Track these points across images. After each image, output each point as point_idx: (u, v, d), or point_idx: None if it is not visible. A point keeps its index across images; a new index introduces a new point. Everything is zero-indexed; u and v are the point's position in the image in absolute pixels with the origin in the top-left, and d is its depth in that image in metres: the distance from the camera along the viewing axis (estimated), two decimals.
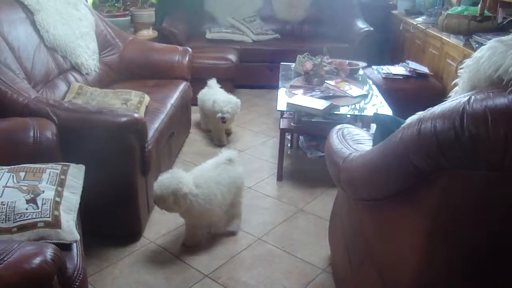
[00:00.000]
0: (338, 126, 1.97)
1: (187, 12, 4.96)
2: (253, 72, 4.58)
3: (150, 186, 2.42)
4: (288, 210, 2.70)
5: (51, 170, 1.71)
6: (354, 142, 1.76)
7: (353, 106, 2.93)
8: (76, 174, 1.79)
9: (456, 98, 1.11)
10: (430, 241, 1.22)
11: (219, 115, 3.25)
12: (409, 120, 1.29)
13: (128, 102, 2.54)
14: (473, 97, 1.07)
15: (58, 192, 1.62)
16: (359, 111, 2.90)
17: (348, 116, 2.95)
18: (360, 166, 1.44)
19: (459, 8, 3.60)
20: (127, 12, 3.96)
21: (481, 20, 3.41)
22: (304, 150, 2.99)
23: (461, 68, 1.34)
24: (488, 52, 1.16)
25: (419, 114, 1.26)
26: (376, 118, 1.72)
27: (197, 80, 3.71)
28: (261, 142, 3.56)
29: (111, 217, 2.23)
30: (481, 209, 1.12)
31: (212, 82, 3.67)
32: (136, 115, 2.13)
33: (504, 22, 3.48)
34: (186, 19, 4.93)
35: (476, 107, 1.04)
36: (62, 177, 1.71)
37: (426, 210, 1.22)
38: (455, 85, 1.40)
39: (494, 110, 1.02)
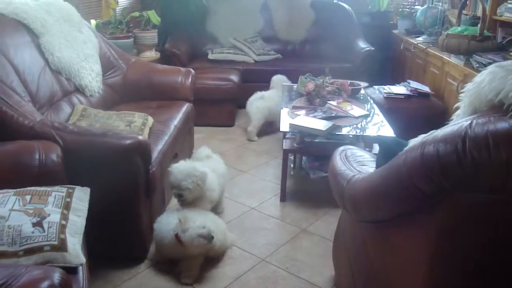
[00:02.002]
0: (341, 148, 1.98)
1: (189, 33, 5.02)
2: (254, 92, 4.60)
3: (154, 208, 2.44)
4: (292, 231, 2.70)
5: (57, 193, 1.73)
6: (358, 164, 1.77)
7: (355, 127, 2.95)
8: (81, 197, 1.80)
9: (458, 122, 1.13)
10: (433, 262, 1.23)
11: (174, 191, 2.46)
12: (412, 143, 1.31)
13: (132, 124, 2.56)
14: (474, 121, 1.09)
15: (64, 215, 1.63)
16: (361, 132, 2.91)
17: (350, 136, 2.96)
18: (363, 188, 1.45)
19: (459, 28, 3.64)
20: (130, 34, 4.01)
21: (481, 40, 3.45)
22: (307, 171, 3.00)
23: (462, 92, 1.36)
24: (488, 77, 1.18)
25: (422, 137, 1.28)
26: (379, 140, 1.74)
27: (200, 101, 3.73)
28: (264, 162, 3.57)
29: (115, 239, 2.23)
30: (483, 232, 1.13)
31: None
32: (140, 137, 2.15)
33: (504, 42, 3.52)
34: (188, 40, 4.99)
35: (477, 131, 1.06)
36: (68, 200, 1.72)
37: (429, 232, 1.23)
38: (457, 104, 1.42)
39: (495, 134, 1.04)
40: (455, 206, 1.13)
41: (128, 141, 2.09)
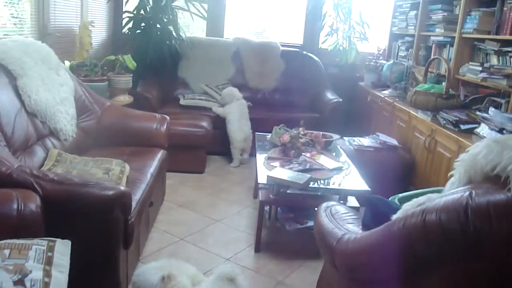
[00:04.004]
0: (325, 205, 2.01)
1: (160, 77, 5.03)
2: (226, 139, 4.62)
3: (130, 259, 2.37)
4: (267, 283, 2.67)
5: (37, 246, 1.65)
6: (344, 222, 1.80)
7: (330, 179, 2.99)
8: (62, 250, 1.73)
9: (456, 191, 1.17)
10: None
11: None
12: (408, 206, 1.34)
13: (110, 172, 2.51)
14: (473, 192, 1.14)
15: (46, 271, 1.56)
16: (337, 185, 2.96)
17: (328, 189, 3.00)
18: (359, 249, 1.47)
19: (426, 86, 3.81)
20: (105, 77, 3.98)
21: (447, 98, 3.62)
22: (283, 222, 3.01)
23: (457, 161, 1.41)
24: (485, 150, 1.24)
25: (416, 202, 1.32)
26: (366, 200, 1.77)
27: (171, 147, 3.71)
28: (236, 212, 3.55)
29: None
30: None
31: None
32: (122, 188, 2.11)
33: (467, 100, 3.71)
34: (160, 84, 4.99)
35: (479, 202, 1.10)
36: (49, 254, 1.65)
37: None
38: (452, 173, 1.47)
39: (496, 206, 1.08)
40: (454, 272, 1.16)
41: (111, 192, 2.04)
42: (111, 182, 2.41)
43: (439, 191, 2.25)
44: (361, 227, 1.72)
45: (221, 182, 4.18)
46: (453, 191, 1.21)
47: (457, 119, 3.31)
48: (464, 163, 1.33)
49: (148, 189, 2.66)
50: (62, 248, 1.74)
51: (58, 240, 1.77)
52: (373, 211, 1.63)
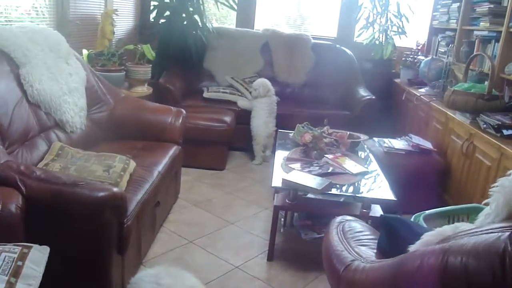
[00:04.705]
0: (339, 219, 1.77)
1: (185, 68, 4.85)
2: (249, 135, 4.40)
3: (127, 266, 2.19)
4: None
5: (7, 254, 1.48)
6: (356, 243, 1.55)
7: (352, 185, 2.73)
8: (36, 259, 1.55)
9: (491, 229, 0.91)
10: None
11: None
12: (429, 237, 1.09)
13: (111, 170, 2.33)
14: None
15: (10, 284, 1.38)
16: (359, 192, 2.69)
17: (348, 195, 2.75)
18: (367, 282, 1.22)
19: (466, 85, 3.48)
20: (123, 67, 3.82)
21: (489, 99, 3.28)
22: (298, 230, 2.76)
23: (494, 187, 1.14)
24: None
25: (442, 233, 1.07)
26: (383, 221, 1.52)
27: (190, 142, 3.53)
28: (253, 214, 3.33)
29: None
30: None
31: None
32: (115, 189, 1.92)
33: None
34: (184, 76, 4.81)
35: None
36: (19, 263, 1.47)
37: None
38: (487, 201, 1.20)
39: None
40: None
41: (101, 194, 1.85)
42: (110, 180, 2.23)
43: (474, 210, 1.97)
44: (375, 251, 1.47)
45: (241, 180, 3.97)
46: (487, 229, 0.94)
47: (500, 123, 2.98)
48: (504, 190, 1.05)
49: (152, 188, 2.48)
50: (37, 257, 1.56)
51: (35, 247, 1.59)
52: (391, 235, 1.38)
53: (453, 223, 1.90)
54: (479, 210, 2.02)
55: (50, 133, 2.64)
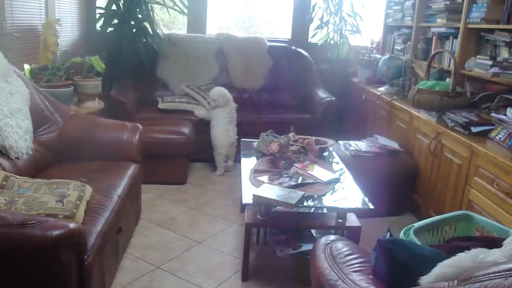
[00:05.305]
0: (323, 240, 1.62)
1: (137, 79, 4.60)
2: (210, 145, 4.21)
3: None
4: None
5: None
6: (349, 269, 1.41)
7: (325, 194, 2.60)
8: None
9: None
10: None
11: None
12: (446, 269, 0.95)
13: (65, 199, 2.09)
14: None
15: None
16: (333, 202, 2.56)
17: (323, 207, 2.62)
18: None
19: (430, 83, 3.42)
20: (70, 81, 3.55)
21: (453, 96, 3.24)
22: (273, 246, 2.61)
23: None
24: None
25: (459, 264, 0.93)
26: (380, 245, 1.38)
27: (148, 157, 3.31)
28: (220, 230, 3.15)
29: None
30: None
31: None
32: (71, 225, 1.70)
33: (476, 98, 3.33)
34: (136, 87, 4.56)
35: None
36: None
37: None
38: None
39: None
40: None
41: (55, 232, 1.63)
42: (65, 212, 2.00)
43: (463, 218, 1.88)
44: (371, 276, 1.33)
45: (204, 193, 3.78)
46: (506, 257, 0.81)
47: (467, 120, 2.93)
48: None
49: (113, 216, 2.25)
50: None
51: None
52: (389, 260, 1.25)
53: (437, 234, 1.80)
54: (468, 218, 1.93)
55: None
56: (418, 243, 1.46)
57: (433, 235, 1.73)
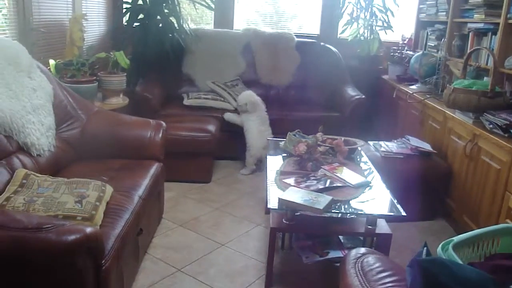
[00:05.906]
0: (353, 253, 1.51)
1: (162, 74, 4.55)
2: (235, 143, 4.13)
3: None
4: None
5: None
6: (382, 287, 1.29)
7: (354, 199, 2.47)
8: None
9: None
10: None
11: None
12: None
13: (84, 200, 2.03)
14: None
15: None
16: (363, 208, 2.44)
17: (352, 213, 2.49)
18: None
19: (466, 82, 3.25)
20: (95, 77, 3.50)
21: (492, 97, 3.06)
22: (298, 252, 2.49)
23: None
24: None
25: None
26: (418, 266, 1.25)
27: (171, 155, 3.24)
28: (244, 232, 3.06)
29: None
30: None
31: None
32: (88, 229, 1.62)
33: None
34: (162, 82, 4.51)
35: None
36: None
37: None
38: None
39: None
40: None
41: (71, 237, 1.56)
42: (83, 214, 1.93)
43: (505, 232, 1.74)
44: None
45: (229, 193, 3.69)
46: None
47: (508, 122, 2.76)
48: None
49: (133, 218, 2.18)
50: None
51: None
52: (429, 283, 1.13)
53: (477, 249, 1.66)
54: (510, 231, 1.79)
55: (13, 158, 2.31)
56: (459, 260, 1.34)
57: (473, 251, 1.60)
